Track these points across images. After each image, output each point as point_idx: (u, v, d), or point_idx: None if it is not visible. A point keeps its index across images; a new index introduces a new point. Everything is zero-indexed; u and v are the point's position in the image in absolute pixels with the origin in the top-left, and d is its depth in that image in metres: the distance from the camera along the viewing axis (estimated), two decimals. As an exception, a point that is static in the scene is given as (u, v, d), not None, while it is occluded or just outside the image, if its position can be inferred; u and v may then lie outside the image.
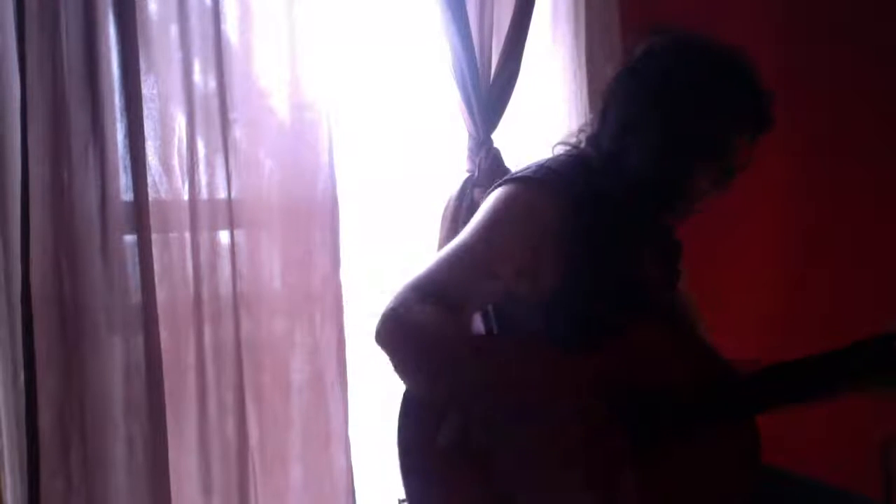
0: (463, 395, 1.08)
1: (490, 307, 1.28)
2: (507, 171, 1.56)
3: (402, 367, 1.12)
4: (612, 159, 1.21)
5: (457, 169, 1.65)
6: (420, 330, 1.09)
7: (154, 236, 1.39)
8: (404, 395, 1.15)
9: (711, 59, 1.18)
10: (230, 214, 1.45)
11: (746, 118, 1.18)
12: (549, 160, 1.23)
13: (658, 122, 1.17)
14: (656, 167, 1.17)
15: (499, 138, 1.64)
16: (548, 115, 1.74)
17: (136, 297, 1.38)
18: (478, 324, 1.33)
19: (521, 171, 1.22)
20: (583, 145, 1.27)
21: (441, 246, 1.59)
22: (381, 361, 1.14)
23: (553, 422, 1.06)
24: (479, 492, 1.09)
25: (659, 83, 1.18)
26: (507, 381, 1.07)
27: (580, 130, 1.29)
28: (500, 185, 1.21)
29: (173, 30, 1.41)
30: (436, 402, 1.11)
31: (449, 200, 1.58)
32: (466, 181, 1.60)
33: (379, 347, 1.15)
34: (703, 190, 1.21)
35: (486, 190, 1.25)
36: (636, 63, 1.22)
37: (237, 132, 1.45)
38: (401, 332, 1.10)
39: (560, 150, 1.28)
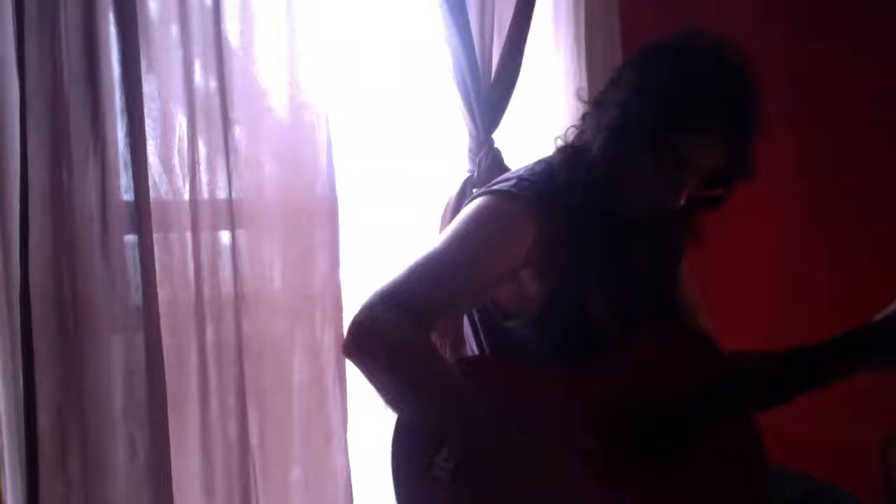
0: (438, 410, 1.08)
1: (479, 325, 1.28)
2: (507, 170, 1.56)
3: (373, 380, 1.11)
4: (599, 160, 1.17)
5: (457, 169, 1.64)
6: (387, 342, 1.08)
7: (154, 236, 1.38)
8: (396, 421, 1.14)
9: (698, 58, 1.14)
10: (231, 214, 1.45)
11: (724, 116, 1.13)
12: (528, 171, 1.22)
13: (640, 120, 1.13)
14: (638, 167, 1.15)
15: (499, 138, 1.63)
16: (548, 115, 1.74)
17: (136, 297, 1.37)
18: (470, 341, 1.33)
19: (499, 181, 1.22)
20: (574, 143, 1.24)
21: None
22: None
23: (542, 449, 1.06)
24: None
25: (641, 82, 1.15)
26: (479, 402, 1.07)
27: (574, 128, 1.27)
28: (478, 196, 1.22)
29: (174, 30, 1.41)
30: (414, 417, 1.11)
31: (449, 201, 1.58)
32: (466, 181, 1.60)
33: (349, 360, 1.14)
34: (695, 191, 1.17)
35: (482, 191, 1.25)
36: (622, 68, 1.22)
37: (237, 132, 1.45)
38: (368, 345, 1.10)
39: (559, 143, 1.27)
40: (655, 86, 1.13)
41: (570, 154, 1.22)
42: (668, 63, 1.14)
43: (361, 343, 1.11)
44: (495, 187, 1.21)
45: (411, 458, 1.11)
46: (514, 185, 1.19)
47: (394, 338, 1.09)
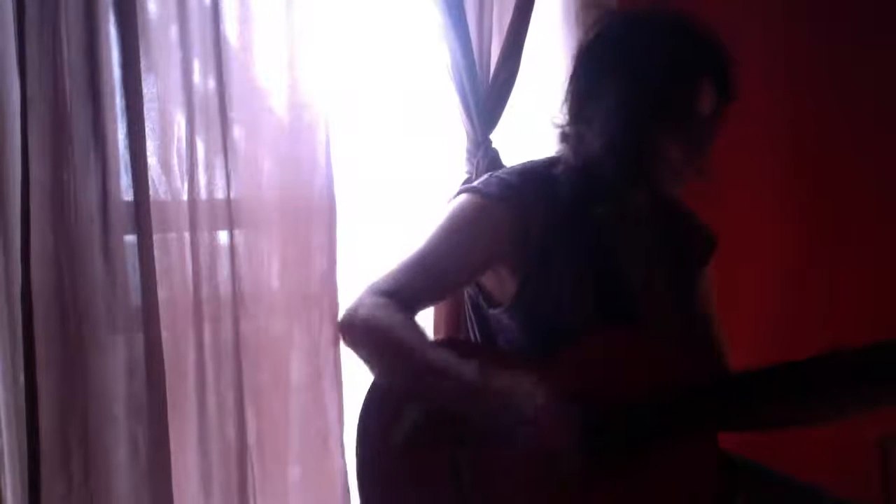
0: (416, 381, 1.14)
1: (472, 316, 1.32)
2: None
3: (365, 360, 1.18)
4: (577, 143, 1.22)
5: (455, 170, 1.64)
6: (371, 320, 1.15)
7: (154, 236, 1.39)
8: (369, 388, 1.19)
9: (658, 22, 1.18)
10: (229, 214, 1.45)
11: (696, 72, 1.17)
12: (507, 170, 1.28)
13: (609, 89, 1.17)
14: (615, 137, 1.16)
15: (498, 139, 1.63)
16: (547, 115, 1.74)
17: (136, 297, 1.38)
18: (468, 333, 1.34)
19: (479, 180, 1.27)
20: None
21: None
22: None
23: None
24: (435, 488, 1.12)
25: (607, 51, 1.19)
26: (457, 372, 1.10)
27: (553, 122, 1.29)
28: (458, 192, 1.27)
29: (173, 30, 1.42)
30: (400, 389, 1.18)
31: (449, 203, 1.57)
32: (464, 183, 1.60)
33: (346, 345, 1.23)
34: (672, 160, 1.19)
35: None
36: (587, 42, 1.24)
37: (236, 132, 1.46)
38: (356, 328, 1.17)
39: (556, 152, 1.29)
40: (629, 72, 1.16)
41: (569, 136, 1.24)
42: (625, 43, 1.18)
43: (350, 328, 1.18)
44: (471, 185, 1.26)
45: (376, 428, 1.18)
46: (486, 183, 1.23)
47: (376, 316, 1.15)
